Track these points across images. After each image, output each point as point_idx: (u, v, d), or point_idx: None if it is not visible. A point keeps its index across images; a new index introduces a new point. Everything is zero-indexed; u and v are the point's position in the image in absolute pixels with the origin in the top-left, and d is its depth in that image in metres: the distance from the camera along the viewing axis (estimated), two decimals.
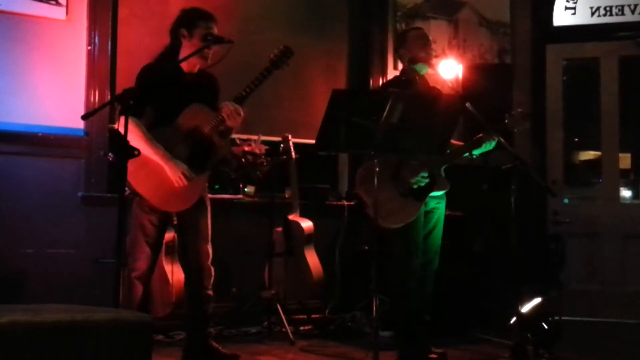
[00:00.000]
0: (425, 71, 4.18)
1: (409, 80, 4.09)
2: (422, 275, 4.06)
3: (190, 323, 3.90)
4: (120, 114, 3.16)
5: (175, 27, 3.81)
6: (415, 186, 3.91)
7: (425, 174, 3.91)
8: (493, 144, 4.04)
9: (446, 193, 4.14)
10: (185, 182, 3.66)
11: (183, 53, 3.75)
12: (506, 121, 4.07)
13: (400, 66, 5.28)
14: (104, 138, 4.78)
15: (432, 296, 4.12)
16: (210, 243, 3.84)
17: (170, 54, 3.80)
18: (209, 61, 3.80)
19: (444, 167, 4.05)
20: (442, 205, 4.15)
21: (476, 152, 4.08)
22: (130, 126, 3.53)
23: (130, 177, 3.54)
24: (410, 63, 4.14)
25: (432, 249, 4.10)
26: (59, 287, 4.43)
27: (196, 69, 3.85)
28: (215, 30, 3.77)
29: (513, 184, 3.90)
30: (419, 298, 4.06)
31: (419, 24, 5.96)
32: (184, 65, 3.79)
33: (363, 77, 5.91)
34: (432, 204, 4.06)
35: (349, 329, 4.96)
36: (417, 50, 4.12)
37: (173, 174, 3.66)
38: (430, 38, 4.29)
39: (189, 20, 3.79)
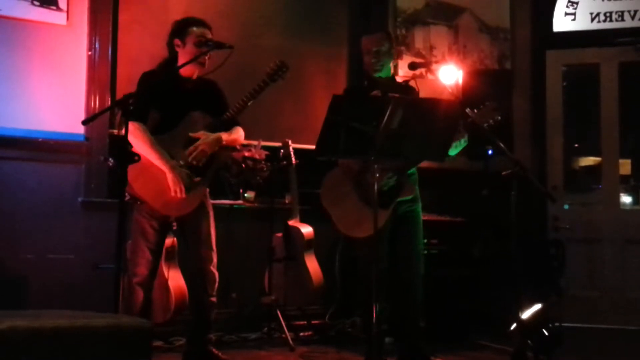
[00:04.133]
0: (386, 74, 4.09)
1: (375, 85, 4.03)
2: (406, 282, 4.01)
3: (191, 329, 3.90)
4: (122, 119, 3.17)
5: (169, 40, 3.86)
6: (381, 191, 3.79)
7: (391, 175, 3.82)
8: (463, 141, 3.93)
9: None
10: (183, 196, 3.67)
11: (181, 62, 3.77)
12: (473, 117, 3.91)
13: (400, 72, 5.33)
14: (104, 143, 4.78)
15: (422, 301, 4.06)
16: (214, 249, 3.84)
17: (168, 66, 3.84)
18: (206, 66, 3.81)
19: (410, 171, 3.97)
20: (415, 208, 4.05)
21: (451, 152, 3.93)
22: (136, 131, 3.58)
23: (132, 180, 3.56)
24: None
25: (411, 255, 4.02)
26: (59, 292, 4.42)
27: (195, 76, 3.86)
28: (209, 35, 3.80)
29: (513, 189, 3.89)
30: (407, 304, 4.02)
31: (419, 29, 5.98)
32: (182, 73, 3.80)
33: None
34: (402, 208, 3.97)
35: (349, 335, 4.95)
36: (364, 53, 4.09)
37: (173, 184, 3.67)
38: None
39: (179, 29, 3.83)
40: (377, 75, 4.06)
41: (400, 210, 3.97)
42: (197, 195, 3.76)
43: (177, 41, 3.82)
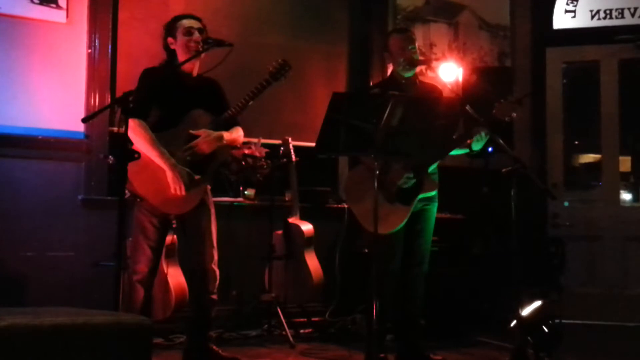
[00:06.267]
0: (412, 74, 4.08)
1: (397, 84, 4.00)
2: (410, 279, 4.02)
3: (191, 326, 3.90)
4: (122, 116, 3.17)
5: (164, 41, 3.88)
6: (402, 188, 3.83)
7: (411, 175, 3.83)
8: (484, 135, 3.92)
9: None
10: (182, 194, 3.67)
11: (179, 58, 3.80)
12: (494, 111, 3.91)
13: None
14: (104, 141, 4.78)
15: (424, 300, 4.07)
16: (215, 247, 3.84)
17: (168, 65, 3.85)
18: (201, 55, 3.80)
19: (431, 168, 3.98)
20: (431, 207, 4.06)
21: (475, 147, 3.96)
22: (137, 128, 3.59)
23: (133, 178, 3.56)
24: (395, 65, 4.08)
25: (419, 252, 4.04)
26: (59, 290, 4.43)
27: (195, 70, 3.86)
28: (197, 26, 3.82)
29: (513, 186, 3.89)
30: (409, 301, 4.03)
31: (419, 27, 5.98)
32: (182, 67, 3.80)
33: (363, 80, 5.91)
34: (419, 205, 3.97)
35: (349, 332, 4.96)
36: (398, 52, 4.04)
37: (173, 182, 3.67)
38: (421, 41, 4.18)
39: (169, 27, 3.87)
40: (408, 73, 4.04)
41: (416, 207, 3.97)
42: (197, 193, 3.75)
43: (169, 39, 3.85)
